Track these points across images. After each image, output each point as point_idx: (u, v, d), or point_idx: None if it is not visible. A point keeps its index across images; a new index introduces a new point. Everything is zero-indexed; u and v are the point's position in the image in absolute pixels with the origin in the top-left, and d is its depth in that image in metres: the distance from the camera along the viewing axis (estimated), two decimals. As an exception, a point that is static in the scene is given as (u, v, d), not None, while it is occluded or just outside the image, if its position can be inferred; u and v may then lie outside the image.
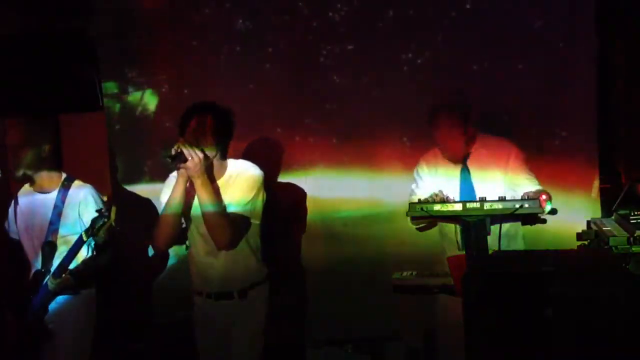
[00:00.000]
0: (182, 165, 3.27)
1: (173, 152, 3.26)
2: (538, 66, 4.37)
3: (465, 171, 3.84)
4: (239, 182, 3.45)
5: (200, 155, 3.27)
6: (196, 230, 3.48)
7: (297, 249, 4.58)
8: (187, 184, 3.38)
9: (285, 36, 4.57)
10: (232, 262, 3.46)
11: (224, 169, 3.50)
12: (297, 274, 4.55)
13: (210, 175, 3.41)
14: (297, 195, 4.53)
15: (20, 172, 3.72)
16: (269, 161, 4.31)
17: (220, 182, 3.46)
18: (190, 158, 3.24)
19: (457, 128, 3.71)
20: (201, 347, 3.60)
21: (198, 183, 3.31)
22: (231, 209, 3.42)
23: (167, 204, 3.41)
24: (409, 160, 4.24)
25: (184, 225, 3.54)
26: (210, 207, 3.34)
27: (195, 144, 3.31)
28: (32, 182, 3.79)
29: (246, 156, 3.91)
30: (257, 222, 3.50)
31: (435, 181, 3.87)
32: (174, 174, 3.44)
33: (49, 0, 4.69)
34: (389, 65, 4.46)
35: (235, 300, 3.48)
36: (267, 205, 3.55)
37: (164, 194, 3.50)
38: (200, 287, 3.54)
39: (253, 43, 4.58)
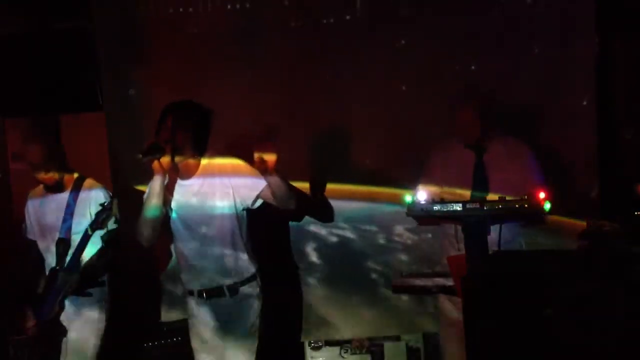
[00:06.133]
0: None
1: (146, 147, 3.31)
2: (538, 66, 4.38)
3: (479, 164, 3.87)
4: (220, 182, 3.46)
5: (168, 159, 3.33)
6: (182, 225, 3.49)
7: (288, 245, 4.55)
8: (166, 182, 3.39)
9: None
10: (222, 254, 3.46)
11: (200, 166, 3.50)
12: (291, 272, 4.53)
13: (187, 173, 3.44)
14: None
15: (44, 186, 3.88)
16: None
17: (195, 181, 3.47)
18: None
19: (475, 111, 3.84)
20: (195, 348, 3.60)
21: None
22: (218, 210, 3.43)
23: (145, 202, 3.43)
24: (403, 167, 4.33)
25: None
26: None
27: (172, 142, 3.33)
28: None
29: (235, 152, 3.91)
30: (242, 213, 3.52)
31: (447, 168, 3.90)
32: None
33: (49, 0, 4.69)
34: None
35: (227, 298, 3.48)
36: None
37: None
38: (191, 285, 3.53)
39: (254, 33, 4.58)
